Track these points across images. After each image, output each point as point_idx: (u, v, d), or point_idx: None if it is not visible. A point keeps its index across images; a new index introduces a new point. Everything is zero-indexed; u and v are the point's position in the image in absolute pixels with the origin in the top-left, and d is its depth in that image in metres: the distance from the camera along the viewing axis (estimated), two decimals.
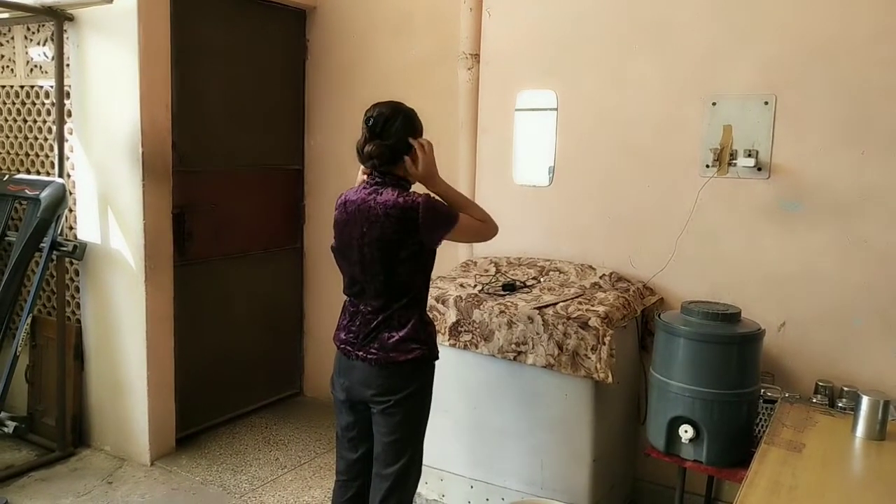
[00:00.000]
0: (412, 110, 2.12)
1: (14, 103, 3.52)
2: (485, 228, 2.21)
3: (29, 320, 3.19)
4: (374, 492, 2.15)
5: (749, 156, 2.67)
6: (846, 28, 2.49)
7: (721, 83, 2.72)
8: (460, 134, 3.32)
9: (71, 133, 3.30)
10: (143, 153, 3.09)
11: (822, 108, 2.55)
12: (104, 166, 3.22)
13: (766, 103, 2.63)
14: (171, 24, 3.14)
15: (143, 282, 3.16)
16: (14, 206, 3.35)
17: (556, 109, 3.07)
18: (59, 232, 3.17)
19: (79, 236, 3.35)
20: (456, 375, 2.68)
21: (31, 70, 3.44)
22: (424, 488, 2.80)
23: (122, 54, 3.05)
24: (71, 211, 3.36)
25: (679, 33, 2.78)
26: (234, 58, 3.59)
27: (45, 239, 3.12)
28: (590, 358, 2.40)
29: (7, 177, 3.33)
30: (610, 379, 2.38)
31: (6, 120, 3.57)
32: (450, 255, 3.25)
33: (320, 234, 3.97)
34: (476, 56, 3.25)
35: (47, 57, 3.34)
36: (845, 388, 2.47)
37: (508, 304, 2.58)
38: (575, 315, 2.46)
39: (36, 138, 3.47)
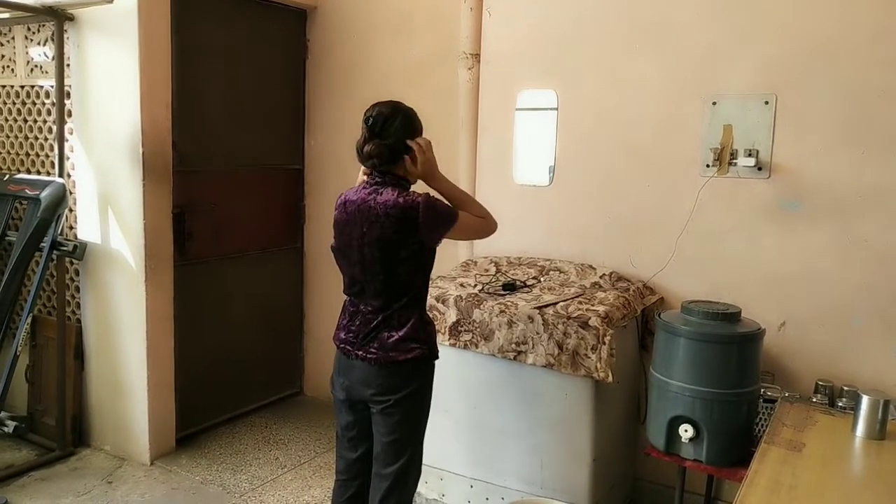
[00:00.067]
0: (412, 110, 2.12)
1: (14, 103, 3.52)
2: (484, 225, 2.21)
3: (29, 320, 3.19)
4: (374, 491, 2.15)
5: (749, 155, 2.67)
6: (846, 28, 2.50)
7: (721, 83, 2.72)
8: (461, 133, 3.32)
9: (71, 133, 3.30)
10: (143, 153, 3.09)
11: (822, 107, 2.55)
12: (104, 166, 3.22)
13: (767, 103, 2.64)
14: (171, 23, 3.14)
15: (143, 282, 3.17)
16: (14, 206, 3.35)
17: (557, 109, 3.07)
18: (59, 232, 3.17)
19: (79, 236, 3.35)
20: (456, 375, 2.68)
21: (32, 70, 3.44)
22: (424, 488, 2.81)
23: (123, 54, 3.05)
24: (71, 211, 3.36)
25: (679, 33, 2.79)
26: (235, 57, 3.59)
27: (45, 239, 3.12)
28: (590, 357, 2.40)
29: (7, 176, 3.33)
30: (610, 378, 2.38)
31: (6, 120, 3.57)
32: (450, 255, 3.25)
33: (320, 233, 3.97)
34: (476, 56, 3.26)
35: (48, 57, 3.34)
36: (845, 388, 2.47)
37: (508, 303, 2.58)
38: (575, 315, 2.46)
39: (36, 138, 3.47)
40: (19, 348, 3.16)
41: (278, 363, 4.10)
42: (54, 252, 3.20)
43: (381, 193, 2.03)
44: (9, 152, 3.59)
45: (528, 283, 2.85)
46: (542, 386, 2.54)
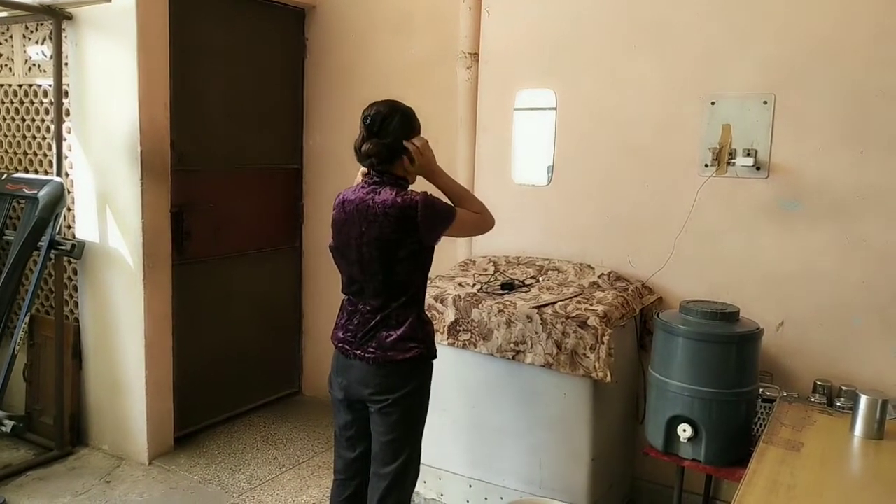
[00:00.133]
0: (410, 109, 2.12)
1: (12, 102, 3.52)
2: (481, 221, 2.21)
3: (27, 319, 3.18)
4: (373, 491, 2.15)
5: (748, 155, 2.67)
6: (846, 28, 2.49)
7: (720, 83, 2.72)
8: (459, 133, 3.32)
9: (69, 132, 3.30)
10: (141, 152, 3.09)
11: (821, 107, 2.55)
12: (103, 165, 3.21)
13: (766, 103, 2.63)
14: (169, 22, 3.14)
15: (141, 281, 3.16)
16: (12, 205, 3.34)
17: (556, 109, 3.07)
18: (57, 231, 3.17)
19: (77, 235, 3.35)
20: (454, 374, 2.68)
21: (30, 69, 3.43)
22: (423, 487, 2.80)
23: (121, 53, 3.05)
24: (69, 210, 3.35)
25: (678, 33, 2.78)
26: (233, 57, 3.59)
27: (43, 238, 3.11)
28: (588, 357, 2.40)
29: (5, 175, 3.33)
30: (608, 378, 2.38)
31: (4, 119, 3.56)
32: (448, 255, 3.25)
33: (319, 233, 3.97)
34: (475, 55, 3.25)
35: (46, 56, 3.33)
36: (844, 388, 2.47)
37: (507, 303, 2.58)
38: (574, 314, 2.45)
39: (34, 137, 3.47)
40: (17, 347, 3.15)
41: (277, 363, 4.10)
42: (52, 251, 3.19)
43: (380, 193, 2.03)
44: (7, 151, 3.58)
45: (527, 282, 2.85)
46: (541, 385, 2.54)
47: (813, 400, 2.45)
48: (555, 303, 2.56)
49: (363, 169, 2.14)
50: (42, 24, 3.31)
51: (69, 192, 3.32)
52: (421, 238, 2.02)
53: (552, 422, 2.54)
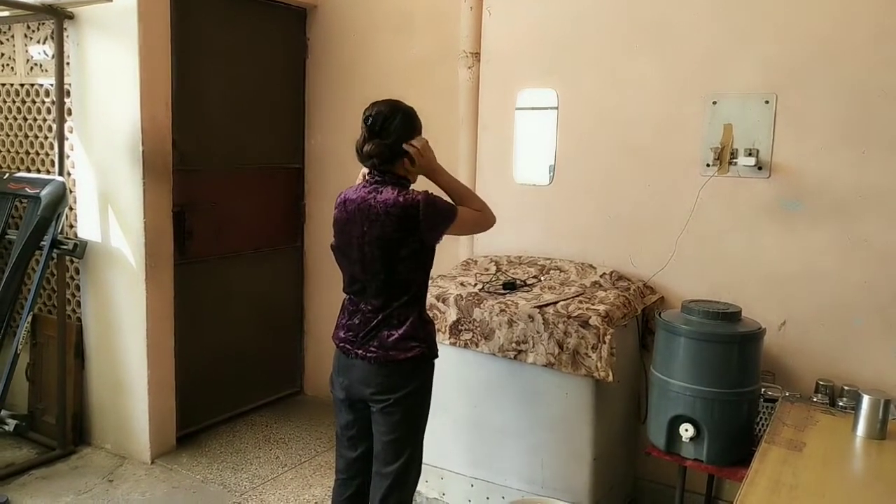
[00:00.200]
0: (411, 108, 2.12)
1: (14, 101, 3.52)
2: (483, 219, 2.22)
3: (29, 319, 3.19)
4: (374, 490, 2.15)
5: (750, 155, 2.67)
6: (847, 28, 2.49)
7: (722, 82, 2.72)
8: (461, 132, 3.32)
9: (71, 131, 3.30)
10: (143, 151, 3.09)
11: (822, 107, 2.55)
12: (104, 165, 3.21)
13: (767, 102, 2.63)
14: (171, 22, 3.14)
15: (143, 280, 3.16)
16: (14, 205, 3.35)
17: (557, 108, 3.07)
18: (59, 230, 3.17)
19: (79, 235, 3.35)
20: (456, 374, 2.68)
21: (32, 68, 3.44)
22: (425, 487, 2.81)
23: (123, 53, 3.05)
24: (71, 209, 3.36)
25: (679, 33, 2.78)
26: (235, 56, 3.59)
27: (45, 237, 3.11)
28: (590, 357, 2.40)
29: (7, 175, 3.33)
30: (610, 378, 2.38)
31: (6, 118, 3.57)
32: (450, 254, 3.25)
33: (320, 232, 3.97)
34: (476, 55, 3.25)
35: (47, 55, 3.34)
36: (846, 388, 2.46)
37: (509, 302, 2.58)
38: (575, 314, 2.46)
39: (36, 136, 3.47)
40: (20, 347, 3.16)
41: (278, 362, 4.10)
42: (54, 251, 3.20)
43: (381, 192, 2.03)
44: (9, 151, 3.58)
45: (529, 282, 2.85)
46: (543, 385, 2.54)
47: (815, 400, 2.45)
48: (556, 302, 2.56)
49: (365, 169, 2.14)
50: (44, 24, 3.32)
51: (71, 192, 3.32)
52: (423, 237, 2.02)
53: (554, 421, 2.54)
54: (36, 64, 3.41)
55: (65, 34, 3.19)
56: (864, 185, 2.51)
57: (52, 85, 3.30)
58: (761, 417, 2.46)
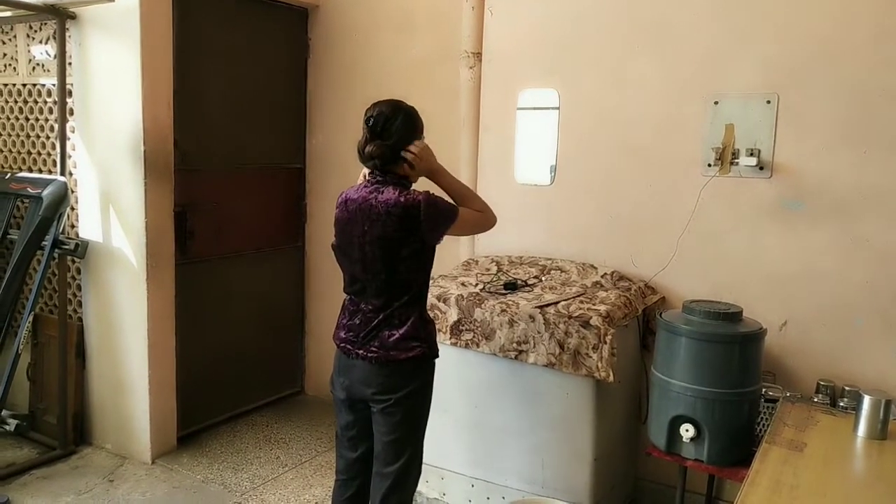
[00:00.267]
0: (413, 108, 2.12)
1: (16, 101, 3.53)
2: (483, 219, 2.22)
3: (30, 318, 3.19)
4: (375, 490, 2.15)
5: (751, 155, 2.66)
6: (848, 28, 2.49)
7: (723, 82, 2.72)
8: (462, 132, 3.32)
9: (73, 131, 3.30)
10: (144, 151, 3.09)
11: (824, 107, 2.55)
12: (106, 165, 3.22)
13: (769, 102, 2.63)
14: (173, 22, 3.15)
15: (144, 280, 3.17)
16: (16, 205, 3.35)
17: (558, 108, 3.07)
18: (60, 230, 3.17)
19: (80, 235, 3.35)
20: (457, 374, 2.68)
21: (34, 68, 3.44)
22: (425, 487, 2.81)
23: (125, 53, 3.05)
24: (73, 209, 3.36)
25: (680, 33, 2.78)
26: (236, 56, 3.59)
27: (46, 237, 3.12)
28: (591, 357, 2.39)
29: (9, 175, 3.33)
30: (611, 378, 2.38)
31: (8, 118, 3.57)
32: (451, 254, 3.25)
33: (321, 232, 3.97)
34: (478, 55, 3.25)
35: (49, 55, 3.34)
36: (847, 388, 2.46)
37: (510, 302, 2.58)
38: (576, 314, 2.45)
39: (38, 136, 3.47)
40: (21, 347, 3.16)
41: (279, 362, 4.11)
42: (56, 251, 3.20)
43: (383, 192, 2.03)
44: (10, 151, 3.59)
45: (530, 282, 2.85)
46: (544, 385, 2.54)
47: (816, 400, 2.45)
48: (557, 302, 2.56)
49: (366, 168, 2.14)
50: (46, 24, 3.32)
51: (73, 192, 3.32)
52: (424, 237, 2.02)
53: (555, 421, 2.54)
54: (38, 64, 3.42)
55: (67, 34, 3.20)
56: (865, 185, 2.51)
57: (54, 85, 3.30)
58: (762, 418, 2.46)
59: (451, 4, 3.34)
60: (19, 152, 3.56)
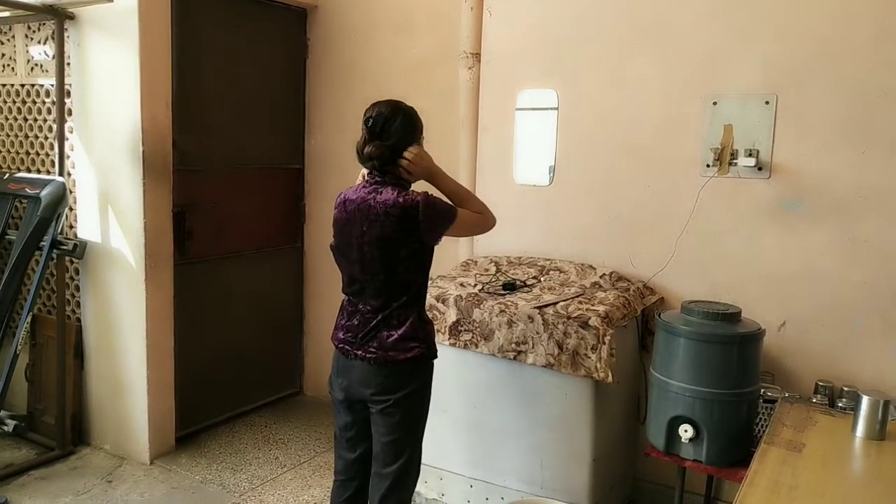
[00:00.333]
0: (412, 109, 2.12)
1: (15, 102, 3.52)
2: (482, 220, 2.22)
3: (29, 319, 3.19)
4: (374, 491, 2.15)
5: (750, 155, 2.67)
6: (847, 28, 2.49)
7: (722, 83, 2.72)
8: (461, 133, 3.32)
9: (71, 132, 3.30)
10: (143, 152, 3.09)
11: (823, 107, 2.55)
12: (105, 165, 3.22)
13: (767, 103, 2.63)
14: (171, 22, 3.14)
15: (143, 280, 3.16)
16: (14, 205, 3.35)
17: (557, 109, 3.07)
18: (59, 230, 3.17)
19: (79, 235, 3.35)
20: (456, 375, 2.68)
21: (32, 69, 3.44)
22: (424, 487, 2.80)
23: (123, 53, 3.05)
24: (71, 209, 3.36)
25: (679, 33, 2.78)
26: (235, 57, 3.59)
27: (45, 237, 3.12)
28: (590, 357, 2.39)
29: (7, 175, 3.33)
30: (610, 378, 2.38)
31: (7, 118, 3.57)
32: (450, 254, 3.25)
33: (320, 233, 3.97)
34: (477, 55, 3.25)
35: (48, 55, 3.34)
36: (845, 388, 2.47)
37: (508, 303, 2.58)
38: (575, 314, 2.45)
39: (36, 137, 3.47)
40: (19, 347, 3.16)
41: (278, 362, 4.10)
42: (54, 251, 3.20)
43: (381, 192, 2.03)
44: (9, 151, 3.58)
45: (528, 282, 2.85)
46: (542, 386, 2.54)
47: (814, 400, 2.45)
48: (556, 303, 2.56)
49: (364, 169, 2.14)
50: (44, 24, 3.32)
51: (71, 192, 3.32)
52: (422, 238, 2.02)
53: (553, 422, 2.54)
54: (36, 64, 3.42)
55: (65, 34, 3.20)
56: (865, 186, 2.51)
57: (52, 85, 3.30)
58: (761, 418, 2.46)
59: (450, 5, 3.34)
60: (17, 152, 3.55)
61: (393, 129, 2.05)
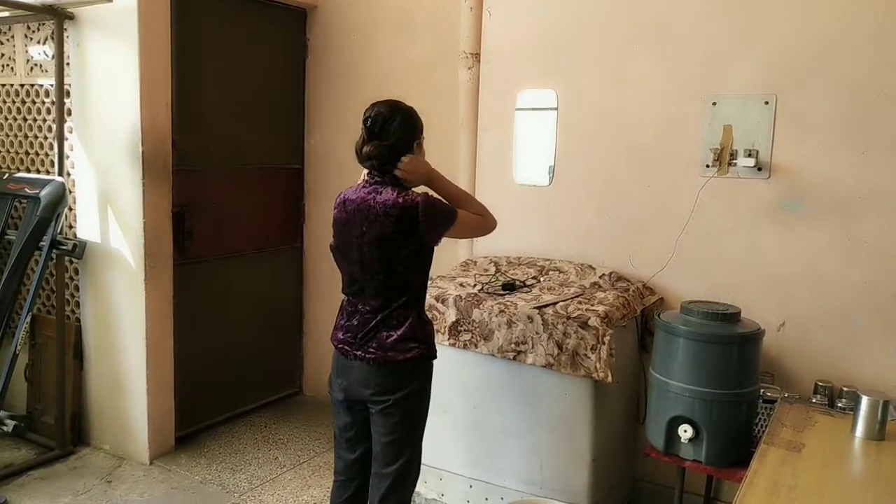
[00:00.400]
0: (411, 108, 2.12)
1: (14, 102, 3.52)
2: (482, 223, 2.21)
3: (28, 319, 3.19)
4: (374, 491, 2.15)
5: (749, 156, 2.66)
6: (847, 28, 2.49)
7: (721, 83, 2.72)
8: (461, 133, 3.32)
9: (71, 132, 3.30)
10: (143, 152, 3.09)
11: (822, 108, 2.55)
12: (104, 165, 3.21)
13: (767, 103, 2.63)
14: (171, 22, 3.14)
15: (142, 280, 3.16)
16: (14, 205, 3.35)
17: (557, 109, 3.07)
18: (58, 230, 3.17)
19: (78, 235, 3.35)
20: (455, 375, 2.68)
21: (32, 69, 3.44)
22: (423, 487, 2.80)
23: (123, 53, 3.05)
24: (71, 209, 3.36)
25: (679, 33, 2.78)
26: (235, 57, 3.59)
27: (44, 237, 3.11)
28: (589, 357, 2.39)
29: (7, 175, 3.33)
30: (609, 378, 2.38)
31: (6, 118, 3.57)
32: (450, 255, 3.25)
33: (320, 233, 3.97)
34: (476, 55, 3.25)
35: (47, 55, 3.34)
36: (845, 389, 2.46)
37: (508, 303, 2.58)
38: (575, 315, 2.45)
39: (36, 137, 3.47)
40: (19, 347, 3.16)
41: (278, 363, 4.10)
42: (54, 251, 3.19)
43: (381, 193, 2.03)
44: (8, 151, 3.58)
45: (528, 282, 2.85)
46: (542, 386, 2.54)
47: (814, 401, 2.44)
48: (556, 303, 2.56)
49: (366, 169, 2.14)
50: (44, 24, 3.32)
51: (71, 192, 3.32)
52: (422, 238, 2.02)
53: (553, 422, 2.54)
54: (36, 64, 3.42)
55: (65, 34, 3.19)
56: (865, 186, 2.51)
57: (51, 85, 3.30)
58: (760, 418, 2.46)
59: (450, 5, 3.34)
60: (17, 152, 3.55)
61: (392, 129, 2.05)
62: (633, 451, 2.91)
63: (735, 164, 2.70)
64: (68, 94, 3.26)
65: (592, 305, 2.53)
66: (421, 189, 2.12)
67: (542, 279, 2.90)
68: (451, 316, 2.64)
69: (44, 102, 3.41)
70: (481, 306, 2.59)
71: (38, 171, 3.46)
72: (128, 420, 3.31)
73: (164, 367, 3.31)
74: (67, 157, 3.30)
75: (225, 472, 3.24)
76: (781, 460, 1.79)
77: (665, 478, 2.83)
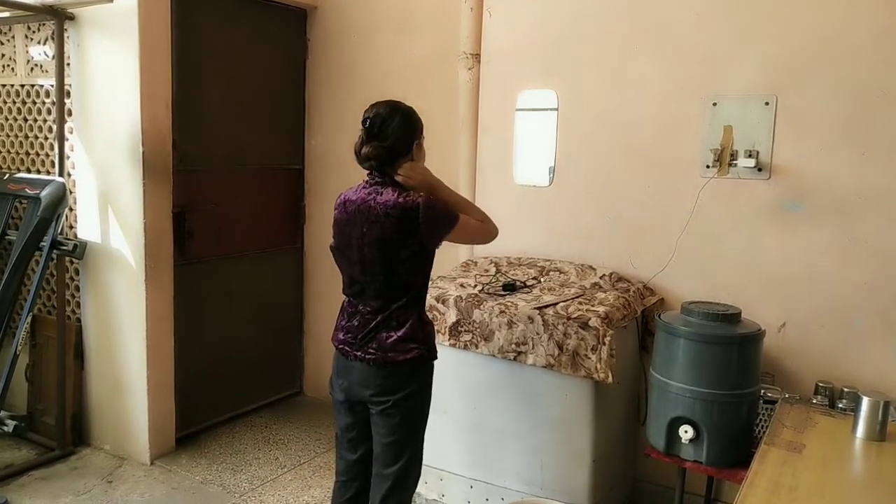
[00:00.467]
0: (410, 109, 2.11)
1: (14, 102, 3.52)
2: (483, 229, 2.21)
3: (29, 319, 3.19)
4: (374, 492, 2.15)
5: (750, 156, 2.66)
6: (847, 28, 2.49)
7: (722, 83, 2.72)
8: (461, 134, 3.32)
9: (71, 132, 3.30)
10: (143, 152, 3.09)
11: (823, 108, 2.55)
12: (105, 165, 3.22)
13: (767, 104, 2.63)
14: (171, 23, 3.14)
15: (143, 281, 3.16)
16: (14, 205, 3.35)
17: (557, 109, 3.07)
18: (59, 231, 3.17)
19: (79, 235, 3.35)
20: (456, 375, 2.68)
21: (32, 69, 3.44)
22: (424, 488, 2.80)
23: (123, 53, 3.05)
24: (71, 210, 3.36)
25: (679, 33, 2.78)
26: (235, 57, 3.59)
27: (45, 238, 3.11)
28: (590, 358, 2.39)
29: (7, 176, 3.33)
30: (610, 379, 2.38)
31: (7, 119, 3.57)
32: (450, 255, 3.25)
33: (320, 233, 3.97)
34: (477, 56, 3.25)
35: (48, 56, 3.34)
36: (845, 389, 2.46)
37: (508, 304, 2.58)
38: (575, 315, 2.45)
39: (36, 137, 3.47)
40: (19, 347, 3.16)
41: (278, 363, 4.10)
42: (54, 251, 3.19)
43: (382, 193, 2.03)
44: (9, 151, 3.58)
45: (528, 283, 2.85)
46: (542, 386, 2.54)
47: (814, 401, 2.44)
48: (556, 304, 2.56)
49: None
50: (44, 25, 3.32)
51: (71, 193, 3.32)
52: (422, 240, 2.02)
53: (553, 423, 2.54)
54: (36, 65, 3.42)
55: (65, 35, 3.19)
56: (865, 186, 2.50)
57: (52, 86, 3.30)
58: (761, 419, 2.46)
59: (450, 5, 3.34)
60: (17, 153, 3.55)
61: (390, 130, 2.04)
62: (634, 451, 2.91)
63: (735, 165, 2.69)
64: (69, 94, 3.26)
65: (593, 306, 2.53)
66: None
67: (542, 280, 2.90)
68: (452, 316, 2.64)
69: (44, 103, 3.41)
70: (482, 307, 2.59)
71: (39, 172, 3.46)
72: (128, 420, 3.31)
73: (165, 368, 3.31)
74: (68, 157, 3.30)
75: (225, 473, 3.24)
76: (782, 461, 1.79)
77: (665, 478, 2.83)
